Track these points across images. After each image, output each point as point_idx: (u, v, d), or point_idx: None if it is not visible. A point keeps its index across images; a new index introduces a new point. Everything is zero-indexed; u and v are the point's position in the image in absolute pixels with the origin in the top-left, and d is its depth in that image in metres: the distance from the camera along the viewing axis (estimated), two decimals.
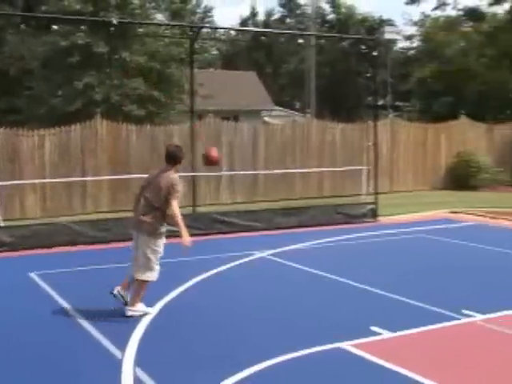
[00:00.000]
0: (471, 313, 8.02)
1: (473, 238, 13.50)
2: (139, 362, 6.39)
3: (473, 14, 31.36)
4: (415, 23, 37.36)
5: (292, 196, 18.47)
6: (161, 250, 7.90)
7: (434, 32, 31.62)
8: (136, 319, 7.73)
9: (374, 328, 7.39)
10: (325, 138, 20.18)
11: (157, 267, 7.89)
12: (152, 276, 7.88)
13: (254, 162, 18.90)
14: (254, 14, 65.54)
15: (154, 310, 8.09)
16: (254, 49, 57.68)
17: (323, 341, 6.93)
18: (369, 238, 13.58)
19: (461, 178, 21.77)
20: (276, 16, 65.43)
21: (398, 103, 45.96)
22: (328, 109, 40.19)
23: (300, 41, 50.42)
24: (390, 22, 57.37)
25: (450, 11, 34.21)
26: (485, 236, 13.91)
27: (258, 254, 11.66)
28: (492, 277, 10.19)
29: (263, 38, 57.23)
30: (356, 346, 6.86)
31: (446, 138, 22.47)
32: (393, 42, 51.76)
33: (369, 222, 15.52)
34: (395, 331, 7.33)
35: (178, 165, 8.05)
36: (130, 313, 7.85)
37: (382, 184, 18.33)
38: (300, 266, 10.75)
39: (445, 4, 34.30)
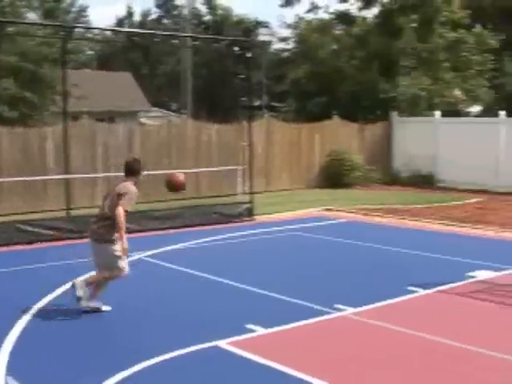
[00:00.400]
0: (343, 307, 8.32)
1: (346, 234, 13.94)
2: (11, 369, 6.25)
3: (344, 17, 32.22)
4: (289, 25, 37.99)
5: (169, 197, 18.40)
6: (119, 252, 8.13)
7: (308, 34, 32.24)
8: (8, 325, 7.53)
9: (249, 325, 7.53)
10: (201, 139, 20.24)
11: (122, 264, 8.23)
12: (123, 271, 8.27)
13: None
14: (130, 14, 64.95)
15: (108, 308, 8.25)
16: (130, 49, 57.12)
17: (200, 340, 7.00)
18: (245, 237, 13.76)
19: (334, 176, 22.35)
20: (153, 16, 65.12)
21: (274, 104, 46.63)
22: (205, 109, 40.30)
23: (176, 41, 50.31)
24: (265, 24, 58.22)
25: (323, 14, 34.91)
26: (357, 232, 14.37)
27: (135, 256, 11.58)
28: (363, 271, 10.58)
29: (139, 38, 56.71)
30: (232, 343, 6.97)
31: (320, 137, 23.02)
32: (267, 43, 52.58)
33: (245, 221, 15.71)
34: (270, 327, 7.50)
35: (136, 176, 8.42)
36: (83, 305, 8.08)
37: (258, 183, 18.58)
38: (177, 267, 10.78)
39: (317, 7, 35.08)
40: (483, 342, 7.09)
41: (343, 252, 12.34)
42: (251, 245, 13.05)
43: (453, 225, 15.22)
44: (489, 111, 31.32)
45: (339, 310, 8.22)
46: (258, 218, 15.97)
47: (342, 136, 23.46)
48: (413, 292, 9.14)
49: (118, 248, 8.12)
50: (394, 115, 24.82)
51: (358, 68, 27.93)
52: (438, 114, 23.79)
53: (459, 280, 9.78)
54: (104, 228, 8.17)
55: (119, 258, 8.17)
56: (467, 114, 33.82)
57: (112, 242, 8.14)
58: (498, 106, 29.62)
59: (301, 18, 35.12)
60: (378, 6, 30.44)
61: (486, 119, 25.38)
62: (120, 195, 8.11)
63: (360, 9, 31.79)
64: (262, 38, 48.26)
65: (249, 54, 20.37)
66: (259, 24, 58.26)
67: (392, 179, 23.60)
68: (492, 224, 15.27)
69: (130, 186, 8.25)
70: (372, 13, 30.97)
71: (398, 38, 27.27)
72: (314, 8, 35.05)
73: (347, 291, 9.28)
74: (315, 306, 8.35)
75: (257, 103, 44.26)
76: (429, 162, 23.03)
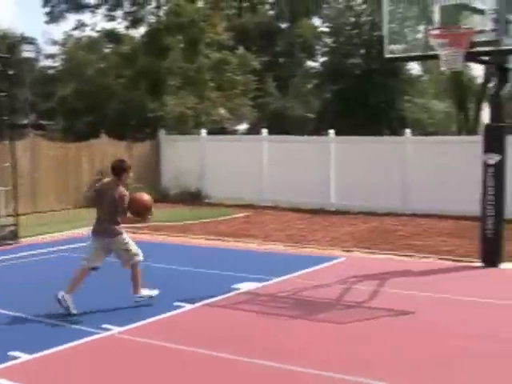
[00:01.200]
0: (110, 326, 8.30)
1: None
2: None
3: (111, 35, 32.23)
4: (56, 42, 37.27)
5: None
6: (127, 240, 9.42)
7: (75, 52, 31.81)
8: None
9: (12, 352, 7.28)
10: None
11: (135, 249, 9.47)
12: (138, 257, 9.47)
13: None
14: None
15: (157, 292, 9.57)
16: None
17: None
18: (8, 260, 13.24)
19: None
20: None
21: (42, 122, 45.21)
22: None
23: None
24: (30, 40, 56.34)
25: (90, 32, 34.71)
26: None
27: None
28: (129, 289, 10.55)
29: None
30: None
31: (88, 156, 22.74)
32: (33, 60, 50.94)
33: (9, 244, 15.11)
34: (35, 353, 7.30)
35: (123, 175, 9.38)
36: (138, 299, 9.40)
37: (24, 205, 17.97)
38: None
39: (84, 25, 34.83)
40: (244, 350, 7.41)
41: (105, 271, 12.21)
42: (11, 269, 12.56)
43: (220, 239, 15.71)
44: (254, 129, 32.77)
45: (106, 329, 8.19)
46: (24, 241, 15.42)
47: (111, 155, 23.21)
48: (180, 307, 9.33)
49: (124, 238, 9.39)
50: (162, 133, 25.16)
51: (126, 86, 27.99)
52: (204, 132, 24.45)
53: (225, 293, 10.13)
54: (113, 224, 9.27)
55: (127, 245, 9.40)
56: (234, 132, 35.12)
57: (120, 234, 9.35)
58: (262, 124, 31.07)
59: (69, 36, 34.62)
60: (145, 26, 30.82)
61: (249, 137, 26.55)
62: (122, 199, 9.22)
63: (127, 27, 32.02)
64: (27, 54, 46.66)
65: (11, 71, 19.58)
66: (25, 40, 56.33)
67: (161, 196, 23.80)
68: (256, 237, 15.96)
69: (121, 190, 9.28)
70: (139, 32, 31.31)
71: (165, 58, 27.71)
72: (80, 25, 34.77)
73: (114, 310, 9.26)
74: (82, 327, 8.27)
75: (24, 122, 42.69)
76: (197, 178, 23.59)
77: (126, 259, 9.46)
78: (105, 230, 9.33)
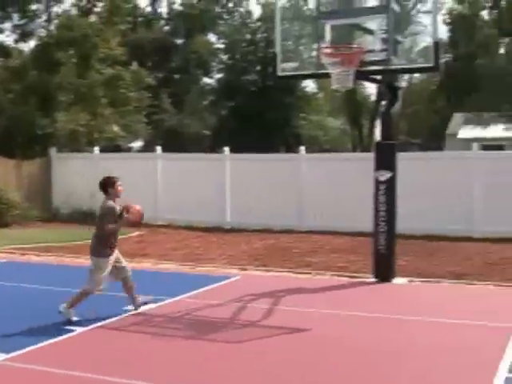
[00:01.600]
0: None
1: (2, 276, 13.31)
2: None
3: None
4: None
5: None
6: (100, 267, 9.55)
7: None
8: None
9: None
10: None
11: (98, 280, 9.54)
12: (94, 288, 9.61)
13: None
14: None
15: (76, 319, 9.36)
16: None
17: None
18: None
19: None
20: None
21: None
22: None
23: None
24: None
25: None
26: (13, 273, 13.77)
27: None
28: (18, 314, 10.10)
29: None
30: None
31: None
32: None
33: None
34: None
35: (110, 191, 9.66)
36: (63, 313, 9.40)
37: None
38: None
39: None
40: (137, 373, 7.17)
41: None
42: None
43: None
44: (149, 146, 32.49)
45: None
46: None
47: None
48: (70, 331, 9.00)
49: (104, 261, 9.55)
50: (53, 151, 24.50)
51: (14, 102, 27.07)
52: (97, 149, 23.95)
53: (117, 315, 9.85)
54: (98, 244, 9.58)
55: (102, 270, 9.52)
56: (129, 150, 34.70)
57: (99, 255, 9.54)
58: (158, 141, 30.83)
59: None
60: (36, 40, 30.06)
61: (143, 154, 26.25)
62: (102, 216, 9.52)
63: (16, 41, 31.16)
64: None
65: None
66: None
67: (52, 216, 23.18)
68: (150, 256, 15.69)
69: (108, 205, 9.54)
70: (29, 46, 30.52)
71: (56, 73, 27.03)
72: None
73: (1, 337, 8.80)
74: None
75: None
76: (89, 197, 22.94)
77: (87, 280, 9.64)
78: (91, 247, 9.72)
